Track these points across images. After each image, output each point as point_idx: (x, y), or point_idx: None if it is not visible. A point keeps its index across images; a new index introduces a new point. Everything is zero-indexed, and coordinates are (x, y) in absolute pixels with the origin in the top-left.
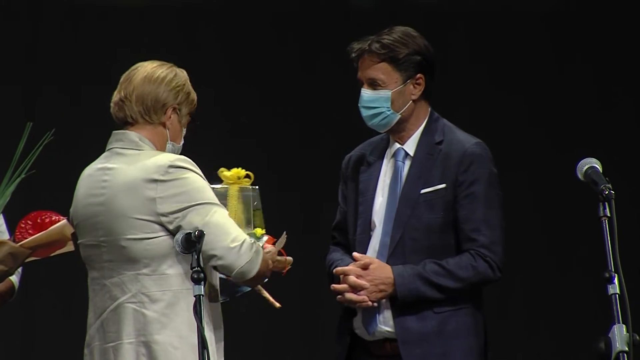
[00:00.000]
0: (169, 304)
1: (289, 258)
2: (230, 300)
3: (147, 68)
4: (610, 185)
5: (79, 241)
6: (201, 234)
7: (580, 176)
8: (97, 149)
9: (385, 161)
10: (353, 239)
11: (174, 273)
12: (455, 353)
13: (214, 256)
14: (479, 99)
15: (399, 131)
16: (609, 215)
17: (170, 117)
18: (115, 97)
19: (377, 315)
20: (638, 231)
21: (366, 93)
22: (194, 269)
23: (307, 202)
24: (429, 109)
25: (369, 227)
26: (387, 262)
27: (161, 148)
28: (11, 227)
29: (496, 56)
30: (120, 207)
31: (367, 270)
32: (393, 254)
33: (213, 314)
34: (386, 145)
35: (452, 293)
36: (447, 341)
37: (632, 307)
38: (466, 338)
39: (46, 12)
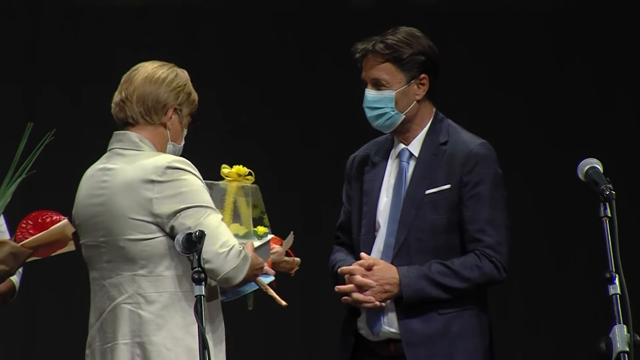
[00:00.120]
0: (164, 305)
1: (297, 259)
2: (234, 299)
3: (148, 68)
4: (611, 186)
5: (80, 241)
6: (202, 234)
7: (581, 176)
8: (97, 149)
9: (389, 161)
10: (357, 239)
11: (171, 275)
12: (460, 354)
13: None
14: (479, 99)
15: (403, 132)
16: (609, 215)
17: (171, 118)
18: (116, 97)
19: (382, 316)
20: (638, 231)
21: (370, 93)
22: (195, 269)
23: (307, 202)
24: (434, 110)
25: (373, 228)
26: (392, 263)
27: (162, 149)
28: (12, 227)
29: (496, 56)
30: (118, 207)
31: (372, 271)
32: (398, 254)
33: (212, 315)
34: (391, 145)
35: (457, 293)
36: (452, 342)
37: (632, 307)
38: (471, 339)
39: (46, 12)
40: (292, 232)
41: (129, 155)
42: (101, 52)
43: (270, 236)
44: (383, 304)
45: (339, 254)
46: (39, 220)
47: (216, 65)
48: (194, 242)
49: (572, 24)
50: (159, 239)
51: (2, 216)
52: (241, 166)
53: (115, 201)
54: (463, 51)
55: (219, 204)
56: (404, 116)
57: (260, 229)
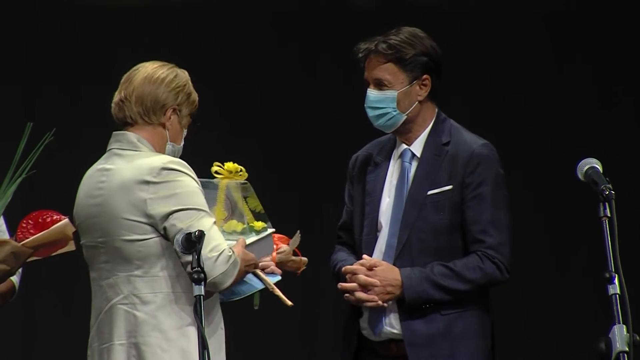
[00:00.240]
0: (159, 306)
1: (304, 258)
2: (241, 299)
3: (148, 69)
4: (610, 186)
5: (80, 242)
6: (202, 234)
7: (580, 176)
8: (97, 149)
9: (392, 162)
10: (359, 239)
11: (166, 275)
12: (461, 355)
13: (189, 263)
14: (479, 99)
15: (405, 132)
16: (609, 215)
17: (170, 118)
18: (116, 97)
19: (383, 317)
20: (638, 231)
21: (372, 93)
22: (194, 269)
23: (306, 202)
24: (436, 110)
25: (375, 228)
26: (394, 264)
27: (160, 149)
28: (12, 227)
29: (496, 56)
30: (115, 208)
31: (374, 271)
32: (400, 255)
33: (211, 315)
34: (393, 145)
35: (460, 295)
36: (453, 343)
37: (632, 307)
38: (473, 340)
39: (46, 12)
40: (298, 232)
41: (126, 156)
42: (101, 52)
43: (270, 230)
44: (385, 304)
45: (341, 254)
46: (40, 220)
47: (216, 65)
48: (194, 241)
49: (572, 24)
50: (154, 240)
51: (1, 216)
52: (232, 163)
53: (112, 202)
54: (463, 51)
55: (214, 201)
56: (405, 116)
57: (258, 224)
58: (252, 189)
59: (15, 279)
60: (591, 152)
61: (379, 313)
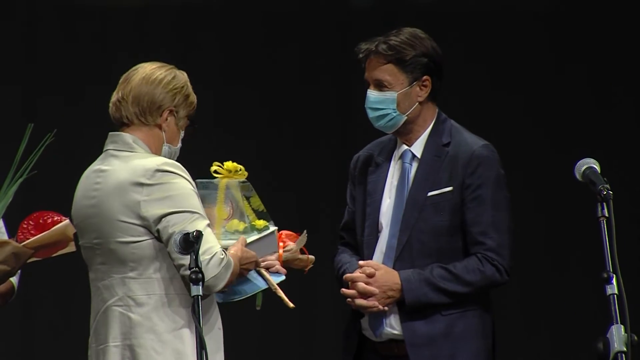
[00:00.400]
0: (154, 308)
1: (311, 257)
2: (244, 299)
3: (147, 69)
4: (608, 186)
5: (79, 242)
6: (199, 235)
7: (578, 176)
8: (98, 150)
9: (392, 163)
10: (361, 239)
11: (160, 277)
12: (462, 355)
13: (182, 265)
14: (478, 99)
15: (405, 133)
16: (607, 215)
17: (166, 119)
18: (113, 97)
19: (384, 319)
20: (637, 231)
21: (372, 94)
22: (192, 269)
23: (303, 202)
24: (437, 110)
25: (376, 229)
26: (395, 265)
27: (156, 150)
28: (13, 228)
29: (496, 56)
30: (109, 209)
31: (374, 277)
32: (400, 257)
33: (207, 315)
34: (394, 145)
35: (460, 298)
36: (454, 343)
37: (630, 307)
38: (473, 340)
39: (46, 12)
40: (305, 231)
41: (122, 157)
42: (101, 52)
43: (272, 228)
44: (386, 308)
45: (344, 256)
46: (40, 221)
47: (215, 65)
48: (191, 242)
49: (572, 24)
50: (148, 242)
51: (1, 218)
52: (231, 162)
53: (107, 203)
54: (463, 51)
55: (215, 202)
56: (405, 117)
57: (259, 223)
58: (252, 187)
59: (14, 279)
60: (590, 152)
61: (379, 315)
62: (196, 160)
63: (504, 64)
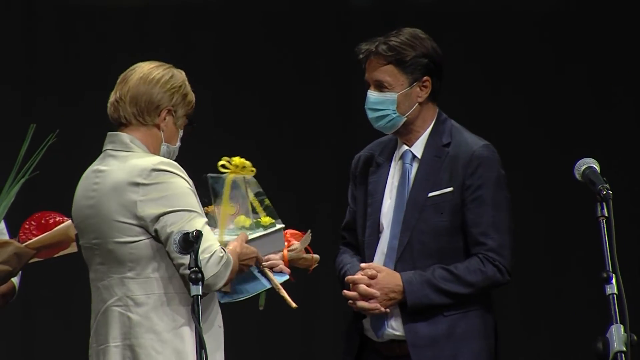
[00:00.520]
0: (153, 307)
1: (316, 256)
2: (247, 298)
3: (144, 69)
4: (607, 186)
5: (79, 242)
6: (199, 234)
7: (577, 176)
8: (98, 150)
9: (393, 163)
10: (362, 240)
11: (159, 276)
12: (464, 355)
13: (181, 265)
14: (478, 99)
15: (405, 133)
16: (606, 215)
17: (164, 119)
18: (112, 97)
19: (386, 320)
20: (637, 231)
21: (372, 95)
22: (192, 269)
23: (303, 202)
24: (437, 111)
25: (377, 230)
26: (396, 266)
27: (155, 150)
28: (15, 228)
29: (495, 56)
30: (107, 210)
31: (376, 280)
32: (401, 257)
33: (207, 313)
34: (395, 146)
35: (461, 299)
36: (456, 344)
37: (630, 307)
38: (475, 340)
39: (46, 12)
40: (309, 230)
41: (120, 157)
42: (101, 52)
43: (279, 226)
44: (387, 310)
45: (346, 257)
46: (42, 222)
47: (215, 65)
48: (191, 241)
49: (572, 24)
50: (145, 242)
51: (2, 219)
52: (239, 158)
53: (104, 204)
54: (463, 51)
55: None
56: (405, 118)
57: (265, 220)
58: (258, 182)
59: (15, 279)
60: (590, 152)
61: (381, 316)
62: (196, 160)
63: (504, 64)
